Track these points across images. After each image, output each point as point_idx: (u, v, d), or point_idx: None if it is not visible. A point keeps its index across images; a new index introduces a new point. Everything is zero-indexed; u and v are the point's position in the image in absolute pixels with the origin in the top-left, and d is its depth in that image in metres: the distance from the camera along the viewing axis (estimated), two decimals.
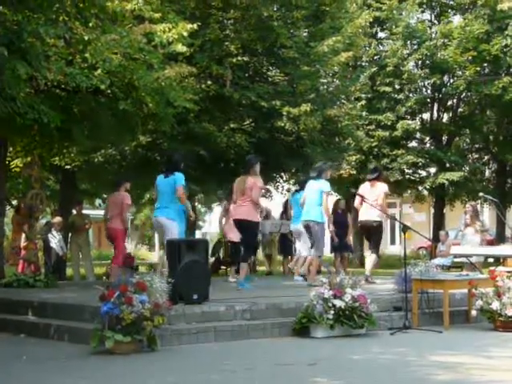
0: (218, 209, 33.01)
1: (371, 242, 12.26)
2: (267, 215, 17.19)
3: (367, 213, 11.81)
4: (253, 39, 16.39)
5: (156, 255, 40.48)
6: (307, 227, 11.77)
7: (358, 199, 12.01)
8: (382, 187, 12.03)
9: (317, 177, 11.80)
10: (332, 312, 8.34)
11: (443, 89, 25.14)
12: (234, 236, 12.41)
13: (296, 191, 13.83)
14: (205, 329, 8.08)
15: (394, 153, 24.17)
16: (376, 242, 12.16)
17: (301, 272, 12.82)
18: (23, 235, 13.59)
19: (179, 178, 10.25)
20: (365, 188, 12.07)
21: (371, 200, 11.54)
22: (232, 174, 16.83)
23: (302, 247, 13.03)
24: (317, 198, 11.61)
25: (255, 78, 17.21)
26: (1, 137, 12.93)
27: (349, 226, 14.85)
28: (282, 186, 22.55)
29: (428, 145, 26.08)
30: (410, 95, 24.85)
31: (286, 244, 16.76)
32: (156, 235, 44.10)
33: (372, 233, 12.07)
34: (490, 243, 18.59)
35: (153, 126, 14.81)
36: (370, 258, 12.31)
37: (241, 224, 11.22)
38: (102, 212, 43.39)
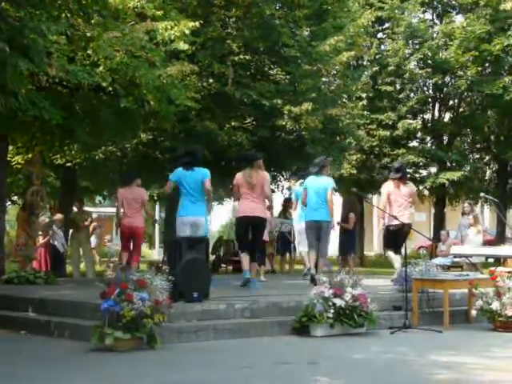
0: (218, 207, 33.01)
1: (398, 244, 11.44)
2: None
3: (400, 216, 11.03)
4: (255, 38, 16.38)
5: (156, 253, 40.49)
6: (319, 228, 11.22)
7: (385, 200, 11.49)
8: (411, 188, 11.59)
9: (318, 172, 11.34)
10: (332, 311, 8.34)
11: (444, 88, 25.13)
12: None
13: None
14: (205, 327, 8.08)
15: (394, 152, 24.16)
16: (402, 244, 11.35)
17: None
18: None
19: (206, 172, 10.00)
20: (389, 188, 11.49)
21: (400, 201, 11.19)
22: (233, 172, 16.83)
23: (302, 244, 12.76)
24: (324, 195, 11.17)
25: (257, 77, 17.21)
26: (2, 133, 12.92)
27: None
28: (283, 185, 22.55)
29: (429, 144, 26.06)
30: (412, 95, 24.85)
31: (284, 242, 16.71)
32: (157, 232, 44.21)
33: (401, 236, 11.30)
34: (490, 243, 18.62)
35: (154, 124, 14.81)
36: (397, 260, 11.47)
37: (257, 221, 10.74)
38: (101, 209, 43.26)
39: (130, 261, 11.53)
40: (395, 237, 11.40)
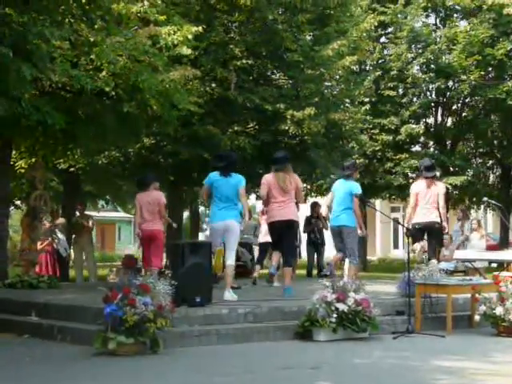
0: None
1: (430, 246, 11.39)
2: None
3: (424, 214, 11.15)
4: (257, 42, 16.41)
5: None
6: (341, 233, 11.03)
7: (413, 199, 11.36)
8: (441, 187, 11.39)
9: (349, 176, 11.07)
10: (335, 315, 8.33)
11: (447, 93, 25.12)
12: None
13: None
14: (207, 331, 8.08)
15: (397, 157, 24.14)
16: (435, 246, 11.44)
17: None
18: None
19: (242, 179, 9.79)
20: (420, 186, 11.38)
21: (428, 200, 11.08)
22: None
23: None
24: (347, 200, 10.93)
25: (259, 81, 17.24)
26: (5, 138, 12.95)
27: None
28: None
29: (432, 149, 26.04)
30: (414, 99, 24.83)
31: None
32: None
33: (433, 235, 11.31)
34: (494, 248, 18.59)
35: (157, 129, 14.83)
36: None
37: (287, 224, 10.44)
38: (104, 214, 43.17)
39: (145, 266, 11.31)
40: (427, 236, 11.29)
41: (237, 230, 9.86)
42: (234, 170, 9.90)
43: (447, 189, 18.07)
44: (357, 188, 10.98)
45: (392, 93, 24.07)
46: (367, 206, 12.67)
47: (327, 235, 17.21)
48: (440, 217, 11.21)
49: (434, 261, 11.03)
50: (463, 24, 25.23)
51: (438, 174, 11.56)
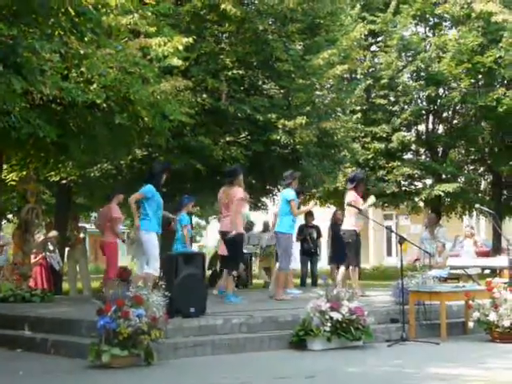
0: (214, 222, 32.96)
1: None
2: (250, 227, 17.52)
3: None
4: (248, 52, 16.41)
5: None
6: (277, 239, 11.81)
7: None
8: (346, 197, 12.14)
9: (287, 186, 11.90)
10: (329, 324, 8.33)
11: (438, 101, 25.17)
12: (222, 250, 12.17)
13: None
14: (202, 342, 8.07)
15: (389, 165, 24.16)
16: (347, 254, 12.00)
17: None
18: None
19: (143, 188, 10.29)
20: None
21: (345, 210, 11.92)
22: None
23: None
24: (283, 207, 11.58)
25: (250, 92, 17.22)
26: None
27: None
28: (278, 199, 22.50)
29: (423, 156, 26.08)
30: (405, 107, 24.87)
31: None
32: None
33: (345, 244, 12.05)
34: (485, 255, 18.63)
35: (148, 140, 14.79)
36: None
37: (224, 236, 11.17)
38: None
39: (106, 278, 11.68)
40: None
41: (140, 239, 10.31)
42: (150, 181, 10.34)
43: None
44: (288, 195, 11.58)
45: (383, 101, 24.12)
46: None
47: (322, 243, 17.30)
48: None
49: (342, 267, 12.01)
50: (452, 32, 25.33)
51: (357, 185, 12.07)
